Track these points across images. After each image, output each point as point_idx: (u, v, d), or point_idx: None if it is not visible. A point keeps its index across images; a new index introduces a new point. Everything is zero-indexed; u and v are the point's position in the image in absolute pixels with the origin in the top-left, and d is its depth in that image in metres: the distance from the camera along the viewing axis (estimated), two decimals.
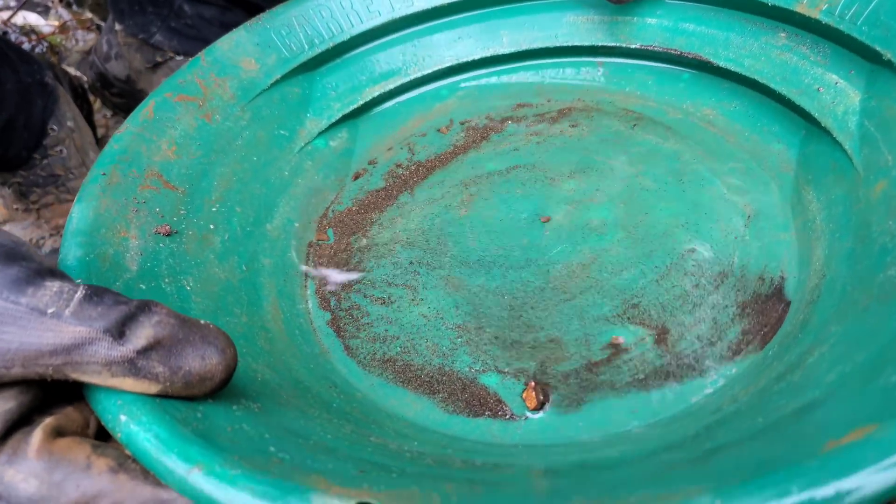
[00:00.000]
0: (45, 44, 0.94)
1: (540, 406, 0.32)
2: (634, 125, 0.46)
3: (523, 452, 0.31)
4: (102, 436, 0.27)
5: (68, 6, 1.00)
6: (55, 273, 0.25)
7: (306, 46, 0.48)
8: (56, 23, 0.97)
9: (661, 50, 0.48)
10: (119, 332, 0.24)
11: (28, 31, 0.96)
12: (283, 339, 0.36)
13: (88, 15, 1.00)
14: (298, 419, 0.29)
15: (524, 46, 0.51)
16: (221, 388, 0.26)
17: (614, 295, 0.37)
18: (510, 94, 0.51)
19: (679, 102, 0.47)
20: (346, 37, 0.49)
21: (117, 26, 0.78)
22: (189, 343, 0.25)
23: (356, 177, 0.47)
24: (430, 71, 0.51)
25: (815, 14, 0.41)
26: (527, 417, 0.32)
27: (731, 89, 0.46)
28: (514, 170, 0.45)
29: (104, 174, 0.37)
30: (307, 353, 0.36)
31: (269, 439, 0.25)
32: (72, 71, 0.80)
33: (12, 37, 0.94)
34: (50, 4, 1.00)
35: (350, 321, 0.39)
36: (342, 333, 0.38)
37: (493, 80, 0.52)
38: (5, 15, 0.97)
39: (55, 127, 0.68)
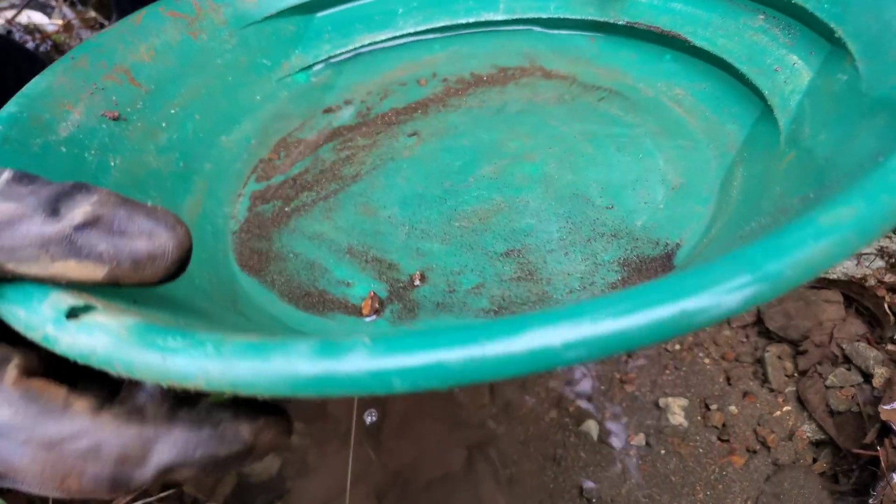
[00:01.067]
0: (50, 42, 0.95)
1: (372, 313, 0.33)
2: (602, 99, 0.46)
3: None
4: None
5: (72, 5, 1.01)
6: None
7: None
8: (60, 21, 0.98)
9: (644, 27, 0.47)
10: (53, 209, 0.22)
11: (32, 29, 0.97)
12: (188, 225, 0.39)
13: (92, 14, 1.01)
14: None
15: (518, 14, 0.52)
16: (178, 273, 0.23)
17: (508, 237, 0.36)
18: (498, 56, 0.51)
19: (655, 81, 0.46)
20: None
21: None
22: (132, 220, 0.22)
23: (326, 111, 0.49)
24: (423, 28, 0.53)
25: None
26: (364, 320, 0.33)
27: (705, 71, 0.44)
28: (472, 125, 0.46)
29: (72, 58, 0.41)
30: (208, 246, 0.39)
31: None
32: None
33: (16, 35, 0.96)
34: (54, 3, 1.01)
35: (258, 227, 0.40)
36: (244, 237, 0.40)
37: (485, 41, 0.53)
38: (10, 14, 0.99)
39: None
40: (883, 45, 0.30)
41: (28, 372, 0.23)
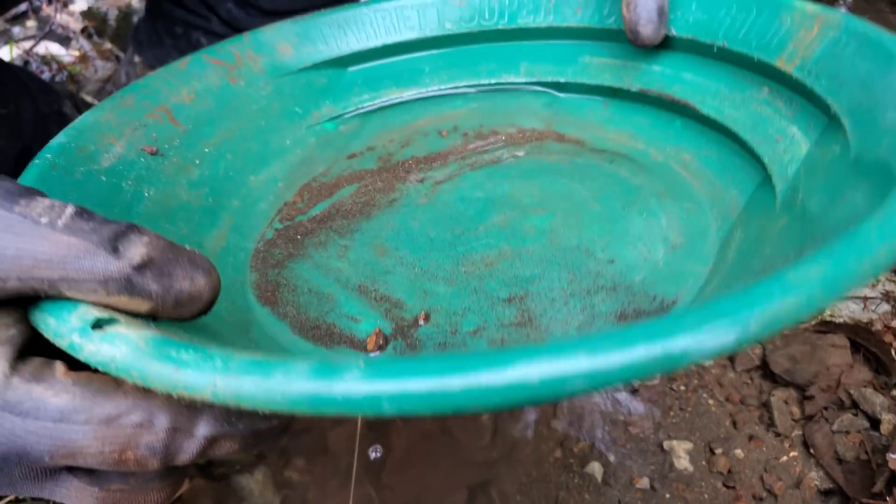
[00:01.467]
0: (66, 73, 0.97)
1: (376, 349, 0.34)
2: (612, 161, 0.48)
3: None
4: None
5: (89, 37, 1.05)
6: (45, 195, 0.26)
7: (342, 46, 0.55)
8: (77, 53, 1.01)
9: (656, 95, 0.49)
10: (113, 247, 0.24)
11: (49, 60, 1.00)
12: (211, 256, 0.41)
13: (108, 45, 1.04)
14: None
15: (537, 78, 0.55)
16: (207, 311, 0.27)
17: (511, 284, 0.38)
18: (516, 115, 0.54)
19: (664, 146, 0.48)
20: (379, 44, 0.56)
21: (136, 58, 0.82)
22: (178, 264, 0.25)
23: (350, 156, 0.52)
24: (447, 87, 0.56)
25: (789, 69, 0.41)
26: (366, 355, 0.34)
27: (713, 138, 0.46)
28: (485, 179, 0.48)
29: (121, 97, 0.44)
30: (227, 276, 0.41)
31: None
32: (90, 99, 0.84)
33: (34, 66, 0.99)
34: (71, 35, 1.05)
35: (275, 259, 0.43)
36: (262, 268, 0.42)
37: (505, 99, 0.55)
38: (28, 45, 1.03)
39: None
40: (871, 119, 0.32)
41: (72, 369, 0.25)
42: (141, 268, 0.24)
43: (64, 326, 0.24)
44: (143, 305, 0.24)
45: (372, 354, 0.35)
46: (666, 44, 0.50)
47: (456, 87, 0.56)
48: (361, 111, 0.55)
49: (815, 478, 0.54)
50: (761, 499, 0.53)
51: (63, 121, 0.68)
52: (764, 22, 0.44)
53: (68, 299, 0.24)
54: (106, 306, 0.24)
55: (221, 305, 0.37)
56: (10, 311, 0.25)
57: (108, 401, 0.24)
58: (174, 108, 0.46)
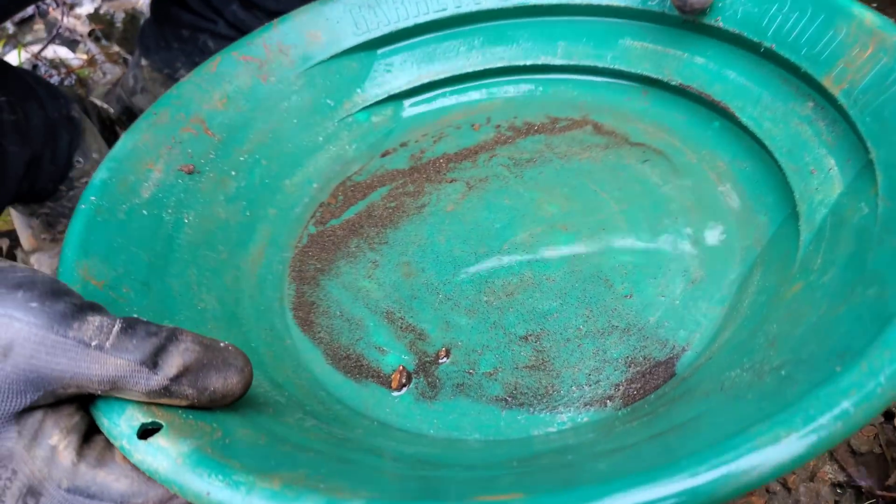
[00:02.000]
0: (74, 76, 0.97)
1: (400, 388, 0.37)
2: (646, 161, 0.47)
3: (378, 430, 0.36)
4: None
5: (97, 40, 1.03)
6: (94, 307, 0.29)
7: (372, 27, 0.54)
8: (85, 56, 1.00)
9: (696, 92, 0.47)
10: (153, 363, 0.27)
11: (58, 64, 0.99)
12: (250, 278, 0.44)
13: (116, 48, 1.02)
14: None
15: (575, 61, 0.52)
16: (239, 399, 0.30)
17: (529, 319, 0.40)
18: (550, 105, 0.53)
19: (700, 147, 0.46)
20: (411, 23, 0.54)
21: (143, 61, 0.81)
22: (213, 367, 0.29)
23: (383, 154, 0.53)
24: (482, 69, 0.54)
25: (836, 91, 0.38)
26: (392, 394, 0.38)
27: (749, 148, 0.44)
28: (516, 179, 0.48)
29: (155, 114, 0.46)
30: (266, 297, 0.44)
31: None
32: (99, 103, 0.82)
33: (42, 69, 0.97)
34: (79, 38, 1.03)
35: (310, 275, 0.45)
36: (298, 282, 0.45)
37: (540, 88, 0.54)
38: (36, 48, 1.01)
39: (81, 159, 0.69)
40: None
41: None
42: (177, 377, 0.28)
43: (115, 430, 0.27)
44: (181, 403, 0.29)
45: (395, 394, 0.38)
46: (711, 33, 0.47)
47: (490, 70, 0.54)
48: (394, 97, 0.55)
49: (829, 471, 0.55)
50: (775, 492, 0.55)
51: (72, 125, 0.69)
52: (817, 27, 0.41)
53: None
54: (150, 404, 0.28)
55: (261, 337, 0.40)
56: (72, 400, 0.29)
57: (160, 486, 0.28)
58: (207, 118, 0.47)
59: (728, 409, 0.27)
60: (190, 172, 0.45)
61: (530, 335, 0.39)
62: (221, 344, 0.30)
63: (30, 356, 0.26)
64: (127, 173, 0.42)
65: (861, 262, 0.30)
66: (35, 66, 1.00)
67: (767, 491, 0.54)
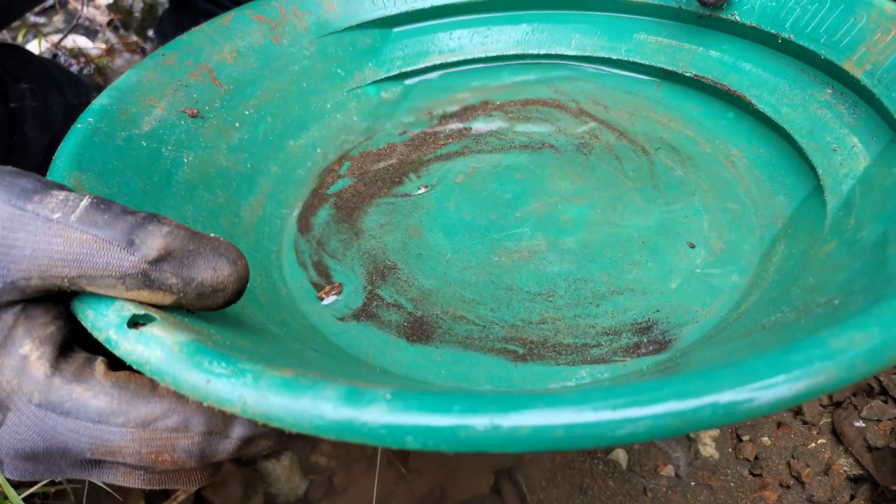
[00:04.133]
0: (93, 66, 0.97)
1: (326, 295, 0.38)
2: (658, 148, 0.46)
3: (381, 377, 0.33)
4: None
5: (115, 29, 1.04)
6: (63, 186, 0.25)
7: (388, 5, 0.53)
8: (103, 45, 1.01)
9: (711, 83, 0.47)
10: (128, 241, 0.23)
11: (77, 53, 0.99)
12: (247, 227, 0.41)
13: (134, 38, 1.04)
14: None
15: (589, 52, 0.53)
16: (235, 301, 0.26)
17: (542, 279, 0.38)
18: (563, 91, 0.52)
19: (714, 137, 0.46)
20: (427, 5, 0.54)
21: None
22: (200, 254, 0.24)
23: (392, 128, 0.51)
24: (494, 55, 0.54)
25: (858, 73, 0.39)
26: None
27: (765, 136, 0.44)
28: (526, 158, 0.47)
29: (163, 55, 0.44)
30: (263, 248, 0.41)
31: None
32: None
33: (62, 59, 0.99)
34: (98, 28, 1.04)
35: (313, 237, 0.43)
36: (300, 240, 0.42)
37: (553, 74, 0.54)
38: (56, 38, 1.02)
39: None
40: None
41: (112, 367, 0.25)
42: (158, 261, 0.24)
43: (101, 320, 0.24)
44: (166, 298, 0.24)
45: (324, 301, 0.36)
46: (726, 28, 0.47)
47: (503, 56, 0.54)
48: (405, 75, 0.54)
49: (844, 465, 0.54)
50: (788, 486, 0.53)
51: None
52: (836, 17, 0.41)
53: (89, 292, 0.24)
54: (129, 300, 0.24)
55: (256, 282, 0.38)
56: (48, 306, 0.25)
57: (144, 404, 0.24)
58: (216, 67, 0.46)
59: (780, 335, 0.25)
60: (193, 116, 0.43)
61: (544, 293, 0.37)
62: (211, 235, 0.25)
63: None
64: (129, 104, 0.40)
65: None
66: (55, 56, 1.00)
67: (781, 485, 0.52)
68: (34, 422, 0.24)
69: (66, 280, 0.24)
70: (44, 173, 0.62)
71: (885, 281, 0.24)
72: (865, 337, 0.20)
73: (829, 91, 0.41)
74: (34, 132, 0.59)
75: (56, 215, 0.23)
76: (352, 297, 0.38)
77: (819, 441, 0.56)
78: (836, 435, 0.56)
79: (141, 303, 0.24)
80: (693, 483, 0.55)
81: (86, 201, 0.24)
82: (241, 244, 0.40)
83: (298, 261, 0.41)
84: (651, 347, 0.33)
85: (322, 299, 0.38)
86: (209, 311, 0.26)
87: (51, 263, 0.23)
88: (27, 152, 0.59)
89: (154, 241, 0.24)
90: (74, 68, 0.98)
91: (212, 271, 0.24)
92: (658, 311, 0.35)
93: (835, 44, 0.41)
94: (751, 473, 0.55)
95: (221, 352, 0.23)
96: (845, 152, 0.38)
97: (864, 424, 0.55)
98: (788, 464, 0.55)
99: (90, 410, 0.24)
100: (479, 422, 0.20)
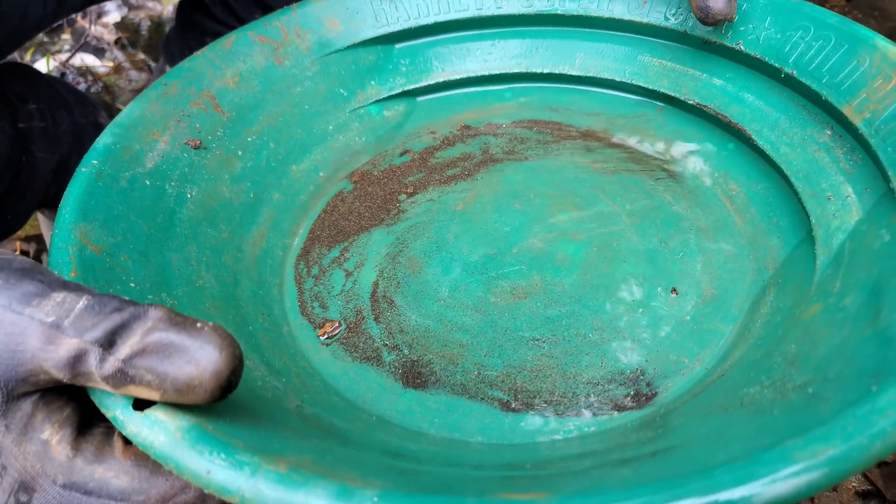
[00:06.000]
0: (101, 84, 0.98)
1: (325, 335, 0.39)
2: (658, 179, 0.46)
3: (377, 425, 0.35)
4: None
5: (122, 47, 1.05)
6: (68, 285, 0.26)
7: (391, 21, 0.53)
8: (111, 64, 1.02)
9: (713, 112, 0.47)
10: (109, 341, 0.24)
11: (85, 71, 1.00)
12: (250, 261, 0.42)
13: (141, 56, 1.04)
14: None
15: (592, 73, 0.52)
16: (224, 395, 0.25)
17: (537, 323, 0.39)
18: (564, 113, 0.52)
19: (714, 170, 0.46)
20: (431, 21, 0.53)
21: (168, 68, 0.80)
22: (178, 349, 0.24)
23: (392, 150, 0.52)
24: (497, 73, 0.54)
25: (856, 121, 0.38)
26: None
27: (764, 171, 0.44)
28: (527, 185, 0.47)
29: (165, 84, 0.44)
30: (265, 282, 0.42)
31: None
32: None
33: (70, 77, 0.99)
34: (105, 46, 1.04)
35: (313, 270, 0.44)
36: (301, 273, 0.43)
37: (554, 96, 0.54)
38: (64, 56, 1.03)
39: None
40: None
41: (128, 441, 0.27)
42: (130, 358, 0.24)
43: (108, 399, 0.26)
44: (152, 394, 0.24)
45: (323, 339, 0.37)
46: (731, 56, 0.47)
47: (506, 74, 0.54)
48: (408, 93, 0.54)
49: (853, 480, 0.55)
50: (797, 502, 0.54)
51: (98, 131, 0.68)
52: (840, 57, 0.41)
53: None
54: (127, 395, 0.25)
55: (258, 318, 0.39)
56: (63, 389, 0.27)
57: (164, 481, 0.26)
58: (218, 94, 0.46)
59: (753, 423, 0.26)
60: (196, 147, 0.43)
61: (537, 339, 0.38)
62: (199, 324, 0.25)
63: None
64: (132, 141, 0.40)
65: (886, 288, 0.30)
66: (63, 74, 1.01)
67: None
68: (60, 501, 0.26)
69: (66, 379, 0.25)
70: (52, 194, 0.64)
71: (856, 377, 0.25)
72: (827, 450, 0.21)
73: (829, 133, 0.41)
74: (42, 152, 0.60)
75: (50, 319, 0.24)
76: (350, 336, 0.40)
77: None
78: None
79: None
80: None
81: (81, 304, 0.25)
82: (244, 280, 0.41)
83: (299, 297, 0.42)
84: (638, 401, 0.34)
85: (321, 337, 0.39)
86: (201, 404, 0.25)
87: (48, 367, 0.24)
88: (35, 173, 0.60)
89: (132, 339, 0.24)
90: (82, 86, 0.99)
91: (188, 366, 0.24)
92: (647, 360, 0.36)
93: (836, 85, 0.40)
94: None
95: (221, 439, 0.24)
96: (839, 202, 0.38)
97: None
98: None
99: (112, 490, 0.26)
100: None
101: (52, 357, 0.24)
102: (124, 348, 0.24)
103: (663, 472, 0.23)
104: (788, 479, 0.21)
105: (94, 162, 0.38)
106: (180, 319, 0.25)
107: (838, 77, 0.41)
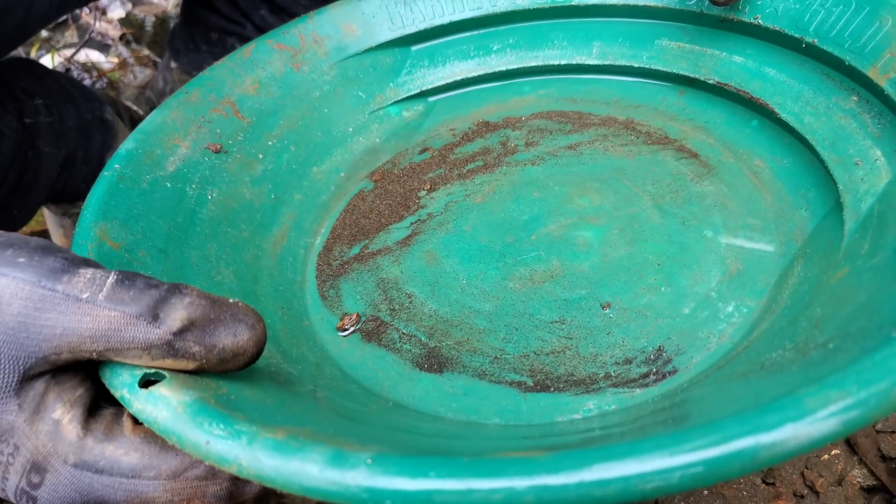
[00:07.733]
0: (105, 79, 0.99)
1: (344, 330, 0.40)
2: (680, 159, 0.45)
3: (393, 409, 0.34)
4: None
5: (127, 43, 1.06)
6: (89, 262, 0.27)
7: (407, 23, 0.54)
8: (116, 59, 1.03)
9: (734, 90, 0.46)
10: (153, 315, 0.25)
11: (90, 67, 1.01)
12: (271, 258, 0.43)
13: (146, 52, 1.05)
14: None
15: (610, 61, 0.52)
16: (254, 361, 0.27)
17: (556, 306, 0.38)
18: (583, 102, 0.52)
19: (737, 146, 0.45)
20: (446, 21, 0.54)
21: (173, 64, 0.83)
22: (221, 322, 0.26)
23: (412, 148, 0.52)
24: (515, 67, 0.54)
25: (882, 82, 0.37)
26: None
27: (789, 145, 0.43)
28: (546, 174, 0.47)
29: (186, 92, 0.46)
30: (284, 277, 0.43)
31: None
32: (129, 105, 0.85)
33: (75, 73, 0.99)
34: (110, 42, 1.06)
35: (334, 266, 0.44)
36: (322, 269, 0.44)
37: (573, 86, 0.53)
38: (69, 52, 1.04)
39: None
40: None
41: (137, 421, 0.27)
42: (182, 332, 0.25)
43: (116, 380, 0.26)
44: (189, 365, 0.26)
45: (341, 334, 0.36)
46: (750, 32, 0.46)
47: (524, 69, 0.54)
48: (426, 93, 0.54)
49: (857, 475, 0.52)
50: (802, 496, 0.52)
51: (104, 127, 0.70)
52: (861, 20, 0.39)
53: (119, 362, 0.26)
54: (153, 368, 0.26)
55: (278, 311, 0.39)
56: (76, 370, 0.27)
57: (173, 457, 0.26)
58: (238, 101, 0.47)
59: (770, 381, 0.25)
60: (217, 151, 0.45)
61: (556, 321, 0.37)
62: (230, 300, 0.27)
63: (17, 313, 0.25)
64: (154, 146, 0.42)
65: None
66: (68, 70, 1.03)
67: (795, 494, 0.51)
68: (71, 481, 0.26)
69: (94, 353, 0.25)
70: (58, 188, 0.65)
71: (878, 327, 0.23)
72: (842, 396, 0.20)
73: (855, 98, 0.40)
74: (49, 147, 0.60)
75: (85, 295, 0.25)
76: (369, 328, 0.40)
77: (833, 451, 0.55)
78: (851, 445, 0.55)
79: (165, 369, 0.26)
80: (706, 492, 0.54)
81: (112, 279, 0.26)
82: (264, 277, 0.41)
83: (320, 292, 0.42)
84: (659, 377, 0.33)
85: (341, 330, 0.40)
86: (230, 372, 0.28)
87: (80, 340, 0.25)
88: (42, 168, 0.60)
89: (177, 314, 0.25)
90: (87, 82, 1.00)
91: (232, 337, 0.26)
92: (669, 338, 0.35)
93: (859, 49, 0.39)
94: (764, 482, 0.54)
95: (221, 412, 0.24)
96: (867, 166, 0.36)
97: (878, 435, 0.53)
98: (802, 474, 0.54)
99: (123, 467, 0.26)
100: (454, 486, 0.20)
101: (88, 329, 0.25)
102: (173, 322, 0.25)
103: (669, 430, 0.22)
104: (800, 427, 0.20)
105: (117, 166, 0.39)
106: (213, 296, 0.27)
107: (861, 40, 0.39)
